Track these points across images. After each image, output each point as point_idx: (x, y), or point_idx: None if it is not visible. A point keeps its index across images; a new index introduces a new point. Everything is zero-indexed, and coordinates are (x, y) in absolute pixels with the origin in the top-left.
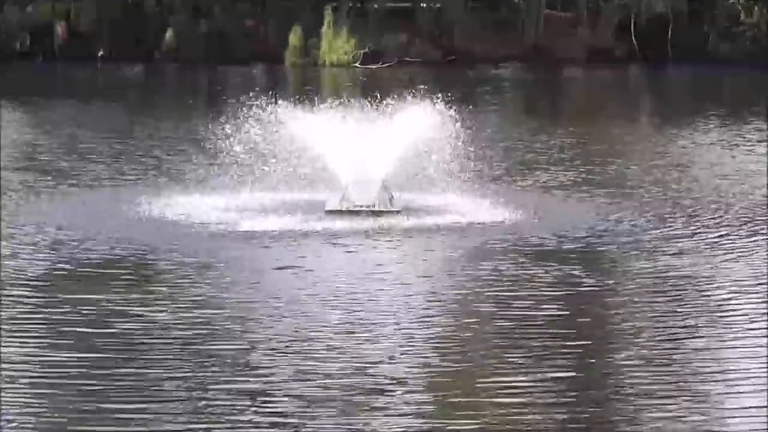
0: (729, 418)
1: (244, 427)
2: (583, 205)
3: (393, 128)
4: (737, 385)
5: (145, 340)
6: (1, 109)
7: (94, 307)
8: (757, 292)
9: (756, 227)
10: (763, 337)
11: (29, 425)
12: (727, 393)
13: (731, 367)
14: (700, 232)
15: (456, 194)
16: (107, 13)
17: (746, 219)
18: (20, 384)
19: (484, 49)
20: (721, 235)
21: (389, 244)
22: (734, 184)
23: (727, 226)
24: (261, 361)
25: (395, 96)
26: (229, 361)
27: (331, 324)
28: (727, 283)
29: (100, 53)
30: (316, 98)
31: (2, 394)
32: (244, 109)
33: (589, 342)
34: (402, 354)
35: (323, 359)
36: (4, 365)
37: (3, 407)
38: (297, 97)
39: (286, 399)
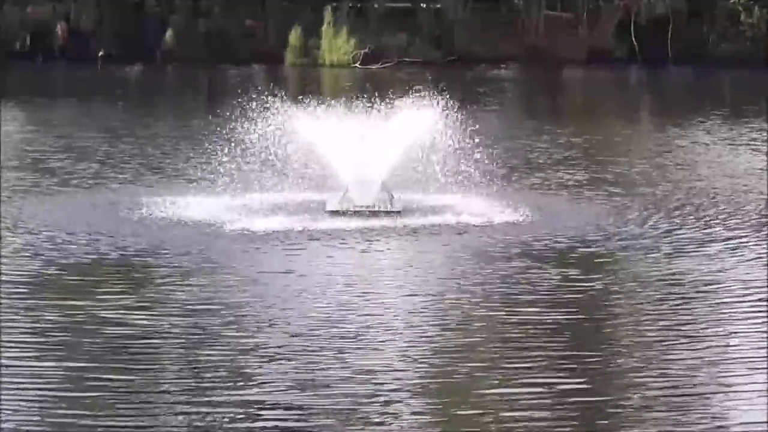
0: (740, 425)
1: None
2: (587, 205)
3: (393, 128)
4: (748, 393)
5: (138, 347)
6: (1, 109)
7: (81, 312)
8: None
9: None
10: None
11: None
12: (736, 401)
13: (742, 374)
14: (710, 233)
15: (456, 194)
16: (107, 13)
17: (756, 220)
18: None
19: (484, 49)
20: (732, 237)
21: (390, 245)
22: (740, 183)
23: (737, 229)
24: (255, 368)
25: (395, 96)
26: (226, 366)
27: (333, 327)
28: (738, 287)
29: (100, 53)
30: (316, 98)
31: None
32: (243, 109)
33: (597, 352)
34: (401, 360)
35: (325, 368)
36: None
37: None
38: (297, 97)
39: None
